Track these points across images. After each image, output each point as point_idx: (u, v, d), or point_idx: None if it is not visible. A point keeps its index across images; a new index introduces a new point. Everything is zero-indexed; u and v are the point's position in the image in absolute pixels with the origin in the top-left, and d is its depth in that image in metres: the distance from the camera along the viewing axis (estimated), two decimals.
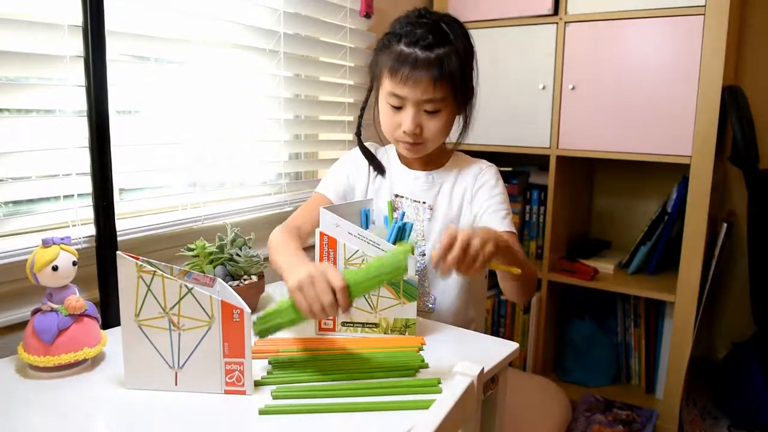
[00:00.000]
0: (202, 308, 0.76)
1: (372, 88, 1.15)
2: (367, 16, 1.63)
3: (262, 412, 0.73)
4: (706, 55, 1.49)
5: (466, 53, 1.06)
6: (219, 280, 0.88)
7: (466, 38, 1.06)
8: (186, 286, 0.76)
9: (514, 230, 1.09)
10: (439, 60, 1.00)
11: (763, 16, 1.80)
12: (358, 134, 1.22)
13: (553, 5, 1.69)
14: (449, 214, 1.14)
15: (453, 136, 1.16)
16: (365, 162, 1.21)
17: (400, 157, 1.20)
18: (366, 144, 1.23)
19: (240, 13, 1.32)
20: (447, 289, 1.16)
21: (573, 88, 1.70)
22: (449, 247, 0.80)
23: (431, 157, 1.16)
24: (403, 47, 1.01)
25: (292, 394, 0.77)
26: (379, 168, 1.20)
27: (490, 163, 1.18)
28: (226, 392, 0.78)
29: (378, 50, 1.08)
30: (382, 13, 1.71)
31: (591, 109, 1.68)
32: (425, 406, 0.76)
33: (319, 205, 1.08)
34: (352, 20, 1.62)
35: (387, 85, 1.05)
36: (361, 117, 1.21)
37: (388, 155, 1.22)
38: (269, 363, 0.87)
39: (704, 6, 1.48)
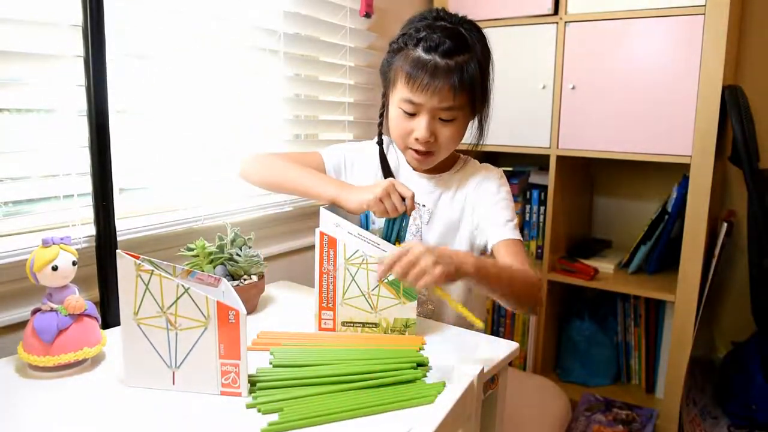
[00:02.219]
0: (198, 309, 0.76)
1: (386, 92, 1.09)
2: (367, 15, 1.63)
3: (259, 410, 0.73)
4: (706, 55, 1.49)
5: (485, 59, 1.03)
6: (224, 280, 0.88)
7: (484, 43, 1.03)
8: (183, 285, 0.75)
9: (516, 236, 1.05)
10: (459, 68, 0.97)
11: (763, 16, 1.79)
12: (379, 143, 1.17)
13: (553, 5, 1.69)
14: (450, 219, 1.13)
15: (466, 138, 1.13)
16: (378, 167, 1.17)
17: (408, 160, 1.17)
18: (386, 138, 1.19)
19: (240, 13, 1.32)
20: (448, 292, 1.15)
21: (573, 88, 1.70)
22: (399, 257, 0.77)
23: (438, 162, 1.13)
24: (421, 53, 0.97)
25: (288, 409, 0.75)
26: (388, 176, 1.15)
27: (495, 168, 1.16)
28: (222, 393, 0.78)
29: (392, 52, 1.04)
30: (382, 12, 1.71)
31: (591, 108, 1.68)
32: (427, 401, 0.76)
33: (313, 161, 1.15)
34: (352, 20, 1.62)
35: (402, 91, 1.00)
36: (381, 125, 1.15)
37: (398, 154, 1.18)
38: (271, 354, 0.88)
39: (704, 6, 1.48)
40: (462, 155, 1.18)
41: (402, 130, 1.04)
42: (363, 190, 0.98)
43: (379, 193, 0.94)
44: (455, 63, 0.97)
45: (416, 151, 1.05)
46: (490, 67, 1.06)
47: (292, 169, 1.09)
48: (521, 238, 1.06)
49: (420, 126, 1.01)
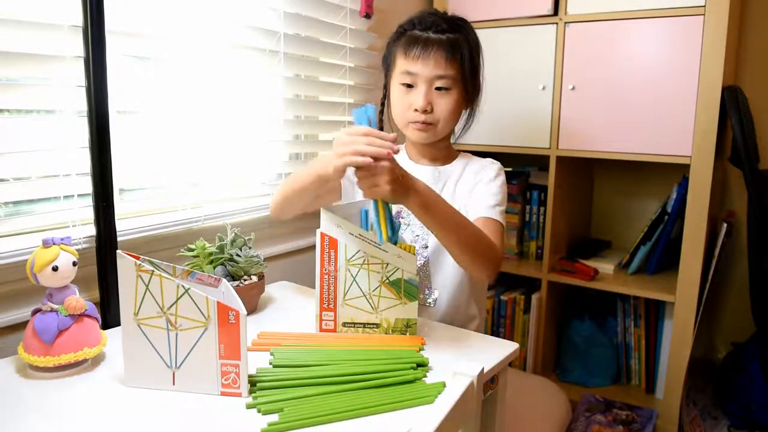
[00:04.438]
0: (199, 309, 0.76)
1: (386, 80, 1.17)
2: (367, 16, 1.63)
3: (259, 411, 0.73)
4: (706, 55, 1.49)
5: (476, 48, 1.12)
6: (224, 280, 0.88)
7: (475, 36, 1.13)
8: (183, 286, 0.76)
9: (497, 218, 1.09)
10: (450, 41, 1.06)
11: (763, 16, 1.80)
12: (380, 129, 1.23)
13: (553, 5, 1.69)
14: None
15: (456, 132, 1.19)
16: None
17: (409, 153, 1.22)
18: None
19: (240, 14, 1.32)
20: (446, 283, 1.17)
21: (573, 89, 1.70)
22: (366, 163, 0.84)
23: (439, 153, 1.19)
24: (416, 31, 1.08)
25: (288, 409, 0.76)
26: None
27: (496, 161, 1.20)
28: (222, 394, 0.78)
29: (391, 42, 1.14)
30: (382, 13, 1.71)
31: (591, 109, 1.68)
32: (427, 402, 0.76)
33: None
34: (352, 20, 1.62)
35: (400, 65, 1.09)
36: (381, 113, 1.23)
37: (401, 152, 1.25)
38: (271, 354, 0.88)
39: (704, 6, 1.48)
40: (463, 152, 1.23)
41: (402, 106, 1.11)
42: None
43: (338, 154, 0.88)
44: (447, 38, 1.07)
45: (416, 123, 1.10)
46: (481, 59, 1.14)
47: (292, 176, 1.10)
48: (502, 222, 1.10)
49: (418, 95, 1.08)
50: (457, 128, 1.19)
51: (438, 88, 1.08)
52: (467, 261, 1.00)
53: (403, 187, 0.88)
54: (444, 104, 1.09)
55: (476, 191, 1.14)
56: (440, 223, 0.94)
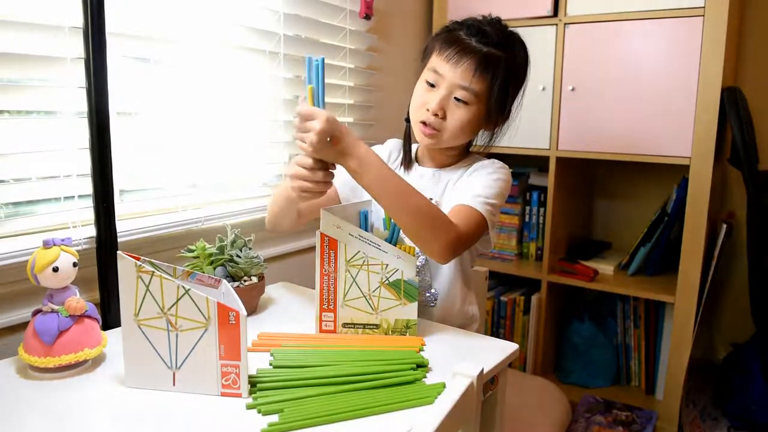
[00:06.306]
0: (199, 310, 0.76)
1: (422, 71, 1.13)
2: (367, 17, 1.63)
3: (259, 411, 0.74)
4: (705, 56, 1.50)
5: (518, 73, 1.07)
6: (224, 281, 0.88)
7: (525, 63, 1.08)
8: (183, 287, 0.76)
9: (475, 207, 1.00)
10: (488, 56, 1.01)
11: (763, 16, 1.80)
12: (407, 120, 1.17)
13: (552, 7, 1.70)
14: None
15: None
16: (393, 156, 1.21)
17: (417, 155, 1.20)
18: (393, 140, 1.24)
19: (240, 15, 1.32)
20: (444, 281, 1.15)
21: (573, 90, 1.70)
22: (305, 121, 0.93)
23: (447, 159, 1.16)
24: (461, 34, 1.03)
25: (288, 410, 0.76)
26: (408, 161, 1.19)
27: (500, 162, 1.15)
28: (222, 394, 0.78)
29: (436, 35, 1.10)
30: (382, 14, 1.71)
31: (591, 110, 1.68)
32: (427, 402, 0.76)
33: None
34: (352, 22, 1.62)
35: (432, 61, 1.06)
36: None
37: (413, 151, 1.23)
38: (271, 355, 0.88)
39: (704, 7, 1.48)
40: (474, 155, 1.20)
41: (419, 101, 1.08)
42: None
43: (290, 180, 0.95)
44: (488, 51, 1.01)
45: (424, 125, 1.06)
46: (521, 90, 1.09)
47: (275, 192, 1.12)
48: (482, 213, 1.00)
49: (434, 98, 1.04)
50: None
51: (457, 99, 1.03)
52: (411, 233, 0.95)
53: (331, 147, 0.91)
54: (457, 116, 1.04)
55: (466, 183, 1.09)
56: (375, 188, 0.93)
